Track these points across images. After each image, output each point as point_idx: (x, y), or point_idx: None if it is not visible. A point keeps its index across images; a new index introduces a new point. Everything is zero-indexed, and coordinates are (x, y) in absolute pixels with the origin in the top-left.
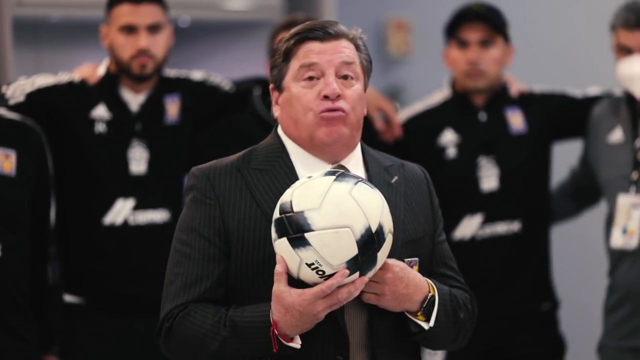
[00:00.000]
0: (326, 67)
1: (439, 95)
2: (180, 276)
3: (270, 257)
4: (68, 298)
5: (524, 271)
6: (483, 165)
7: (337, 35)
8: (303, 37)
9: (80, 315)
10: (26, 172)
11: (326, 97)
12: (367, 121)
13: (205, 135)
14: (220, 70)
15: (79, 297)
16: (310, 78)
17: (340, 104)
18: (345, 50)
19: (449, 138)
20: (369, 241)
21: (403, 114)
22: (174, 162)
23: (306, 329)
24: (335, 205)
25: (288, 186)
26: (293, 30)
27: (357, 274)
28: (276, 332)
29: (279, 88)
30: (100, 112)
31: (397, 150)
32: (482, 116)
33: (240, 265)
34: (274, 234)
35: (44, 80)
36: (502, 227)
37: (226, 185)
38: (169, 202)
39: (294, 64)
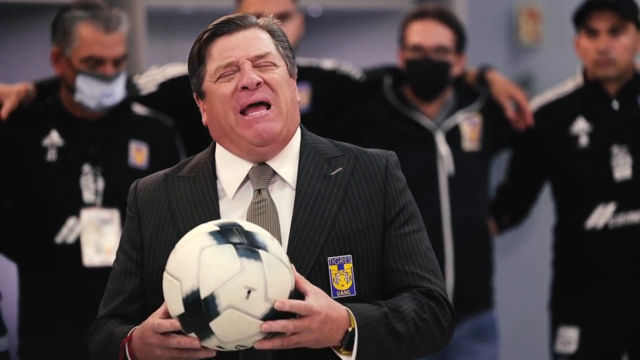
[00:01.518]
0: (241, 60)
1: (571, 83)
2: (106, 291)
3: None
4: None
5: None
6: (616, 154)
7: (247, 26)
8: (212, 35)
9: None
10: (159, 164)
11: (244, 89)
12: (499, 109)
13: (335, 125)
14: (351, 59)
15: None
16: (222, 76)
17: (261, 92)
18: (257, 40)
19: (581, 127)
20: (195, 305)
21: (534, 103)
22: None
23: None
24: (182, 255)
25: (206, 194)
26: (201, 32)
27: (194, 334)
28: (126, 346)
29: (201, 94)
30: None
31: (528, 139)
32: (615, 104)
33: (153, 279)
34: None
35: (175, 69)
36: (635, 216)
37: (148, 196)
38: None
39: (210, 66)
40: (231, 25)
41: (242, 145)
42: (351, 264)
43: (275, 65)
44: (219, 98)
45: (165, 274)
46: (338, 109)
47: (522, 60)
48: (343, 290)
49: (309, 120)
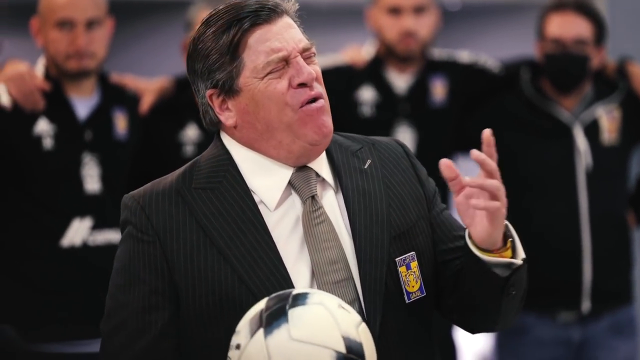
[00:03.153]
0: (292, 53)
1: None
2: (120, 331)
3: (226, 296)
4: None
5: None
6: None
7: (281, 12)
8: (250, 24)
9: None
10: None
11: (301, 85)
12: (638, 102)
13: (475, 118)
14: (490, 52)
15: None
16: (272, 72)
17: (317, 88)
18: (296, 30)
19: None
20: None
21: None
22: (440, 143)
23: None
24: None
25: (243, 207)
26: (226, 19)
27: None
28: None
29: (231, 91)
30: (366, 94)
31: None
32: None
33: (192, 309)
34: None
35: None
36: None
37: (165, 214)
38: None
39: (252, 59)
40: (270, 12)
41: (294, 147)
42: (416, 262)
43: (315, 56)
44: (271, 96)
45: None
46: (475, 102)
47: None
48: (415, 292)
49: (445, 114)
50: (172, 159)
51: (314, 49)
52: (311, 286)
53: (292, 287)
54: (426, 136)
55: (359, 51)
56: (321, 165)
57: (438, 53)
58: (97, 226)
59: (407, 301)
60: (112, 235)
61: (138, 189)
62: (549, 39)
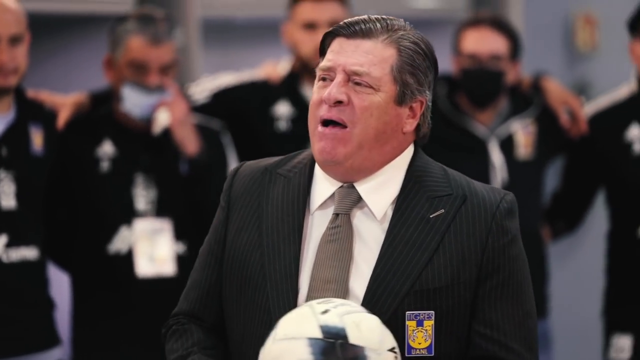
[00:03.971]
0: (338, 69)
1: (626, 89)
2: (190, 278)
3: (248, 278)
4: None
5: None
6: None
7: (369, 33)
8: (332, 32)
9: None
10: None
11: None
12: (553, 117)
13: None
14: None
15: None
16: (324, 79)
17: (338, 112)
18: (367, 54)
19: (635, 133)
20: None
21: (588, 109)
22: None
23: None
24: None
25: (297, 198)
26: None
27: None
28: None
29: None
30: (283, 110)
31: (582, 145)
32: None
33: (227, 281)
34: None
35: (227, 79)
36: None
37: (243, 188)
38: None
39: (322, 61)
40: (353, 29)
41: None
42: (432, 321)
43: (372, 88)
44: (312, 101)
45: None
46: None
47: (578, 67)
48: (419, 349)
49: None
50: (88, 175)
51: (369, 80)
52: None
53: (296, 286)
54: None
55: (274, 67)
56: (373, 194)
57: None
58: (12, 243)
59: (406, 355)
60: (27, 252)
61: (258, 160)
62: (465, 54)
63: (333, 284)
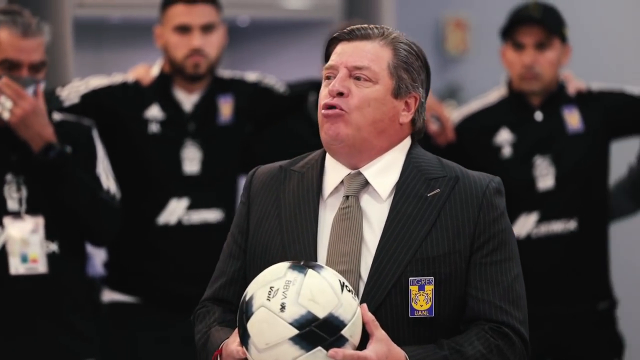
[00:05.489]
0: (340, 67)
1: (496, 94)
2: (216, 270)
3: (272, 261)
4: (123, 297)
5: (581, 270)
6: (539, 165)
7: (366, 37)
8: (334, 38)
9: (136, 314)
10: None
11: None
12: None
13: (260, 139)
14: (280, 69)
15: (134, 296)
16: (328, 77)
17: (339, 101)
18: (366, 53)
19: (504, 137)
20: (242, 307)
21: (459, 113)
22: (227, 162)
23: None
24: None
25: (309, 191)
26: (335, 33)
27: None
28: (218, 357)
29: None
30: (154, 112)
31: (452, 149)
32: (538, 115)
33: (251, 266)
34: (298, 351)
35: (98, 81)
36: (558, 226)
37: (261, 185)
38: (223, 202)
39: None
40: (353, 34)
41: (324, 143)
42: (432, 286)
43: (371, 81)
44: (320, 97)
45: (352, 322)
46: (264, 122)
47: (449, 70)
48: (421, 310)
49: (231, 132)
50: None
51: (369, 74)
52: None
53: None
54: (212, 154)
55: (147, 69)
56: (378, 177)
57: (227, 73)
58: None
59: (409, 315)
60: None
61: (272, 163)
62: None
63: (347, 256)
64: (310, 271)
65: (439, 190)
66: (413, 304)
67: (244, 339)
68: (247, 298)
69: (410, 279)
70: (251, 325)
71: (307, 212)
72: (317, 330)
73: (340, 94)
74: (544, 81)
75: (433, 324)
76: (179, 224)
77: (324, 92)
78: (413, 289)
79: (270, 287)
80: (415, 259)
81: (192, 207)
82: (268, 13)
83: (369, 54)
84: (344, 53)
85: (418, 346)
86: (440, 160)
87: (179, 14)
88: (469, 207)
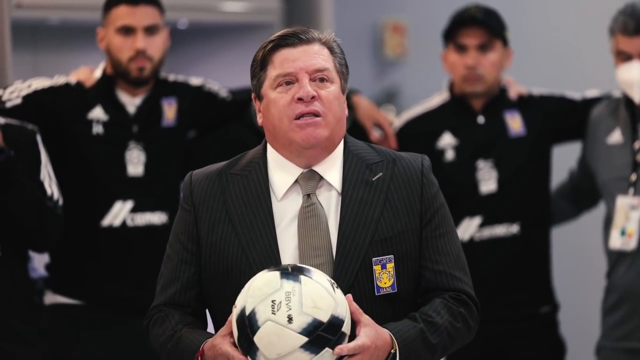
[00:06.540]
0: (300, 73)
1: (438, 98)
2: (162, 277)
3: (231, 264)
4: (66, 300)
5: (523, 274)
6: (481, 168)
7: (309, 40)
8: (276, 45)
9: (78, 317)
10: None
11: (300, 100)
12: (363, 132)
13: (202, 144)
14: (219, 73)
15: (77, 299)
16: (287, 83)
17: (315, 106)
18: (317, 55)
19: (447, 141)
20: (242, 322)
21: (401, 117)
22: (170, 164)
23: None
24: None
25: (259, 194)
26: (268, 39)
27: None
28: (199, 359)
29: (259, 96)
30: (98, 113)
31: None
32: (480, 119)
33: (208, 270)
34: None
35: (40, 83)
36: (500, 230)
37: (205, 190)
38: (166, 204)
39: (271, 72)
40: (295, 39)
41: (292, 149)
42: (393, 264)
43: (330, 81)
44: (275, 105)
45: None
46: (206, 126)
47: (387, 75)
48: (385, 288)
49: (174, 135)
50: None
51: (329, 74)
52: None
53: (280, 262)
54: (156, 157)
55: (90, 71)
56: (328, 171)
57: (172, 76)
58: None
59: (376, 293)
60: None
61: (200, 168)
62: None
63: (320, 250)
64: (303, 278)
65: (381, 174)
66: (378, 282)
67: (251, 351)
68: (246, 312)
69: (373, 259)
70: (259, 339)
71: (261, 213)
72: (323, 334)
73: (313, 97)
74: (486, 83)
75: (395, 300)
76: (124, 226)
77: (285, 98)
78: (377, 268)
79: (272, 301)
80: (375, 240)
81: (136, 209)
82: (207, 16)
83: (321, 56)
84: (297, 59)
85: (395, 323)
86: (371, 146)
87: (122, 15)
88: (412, 186)
